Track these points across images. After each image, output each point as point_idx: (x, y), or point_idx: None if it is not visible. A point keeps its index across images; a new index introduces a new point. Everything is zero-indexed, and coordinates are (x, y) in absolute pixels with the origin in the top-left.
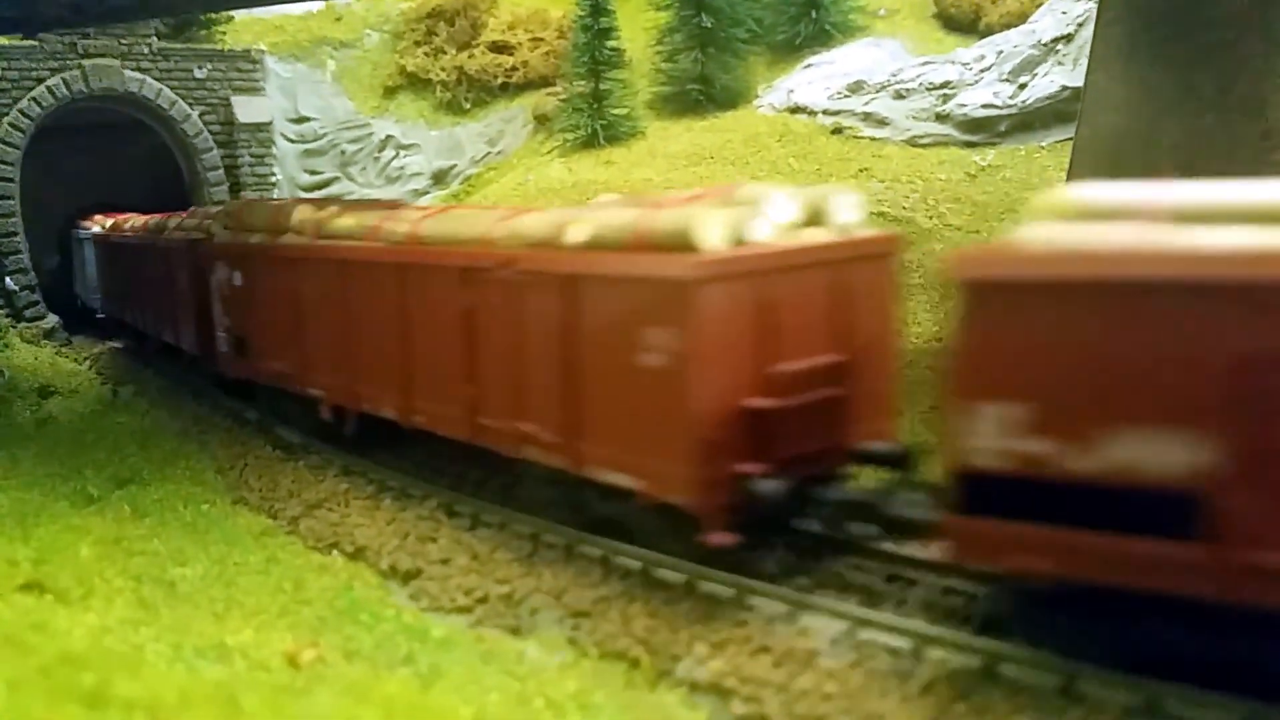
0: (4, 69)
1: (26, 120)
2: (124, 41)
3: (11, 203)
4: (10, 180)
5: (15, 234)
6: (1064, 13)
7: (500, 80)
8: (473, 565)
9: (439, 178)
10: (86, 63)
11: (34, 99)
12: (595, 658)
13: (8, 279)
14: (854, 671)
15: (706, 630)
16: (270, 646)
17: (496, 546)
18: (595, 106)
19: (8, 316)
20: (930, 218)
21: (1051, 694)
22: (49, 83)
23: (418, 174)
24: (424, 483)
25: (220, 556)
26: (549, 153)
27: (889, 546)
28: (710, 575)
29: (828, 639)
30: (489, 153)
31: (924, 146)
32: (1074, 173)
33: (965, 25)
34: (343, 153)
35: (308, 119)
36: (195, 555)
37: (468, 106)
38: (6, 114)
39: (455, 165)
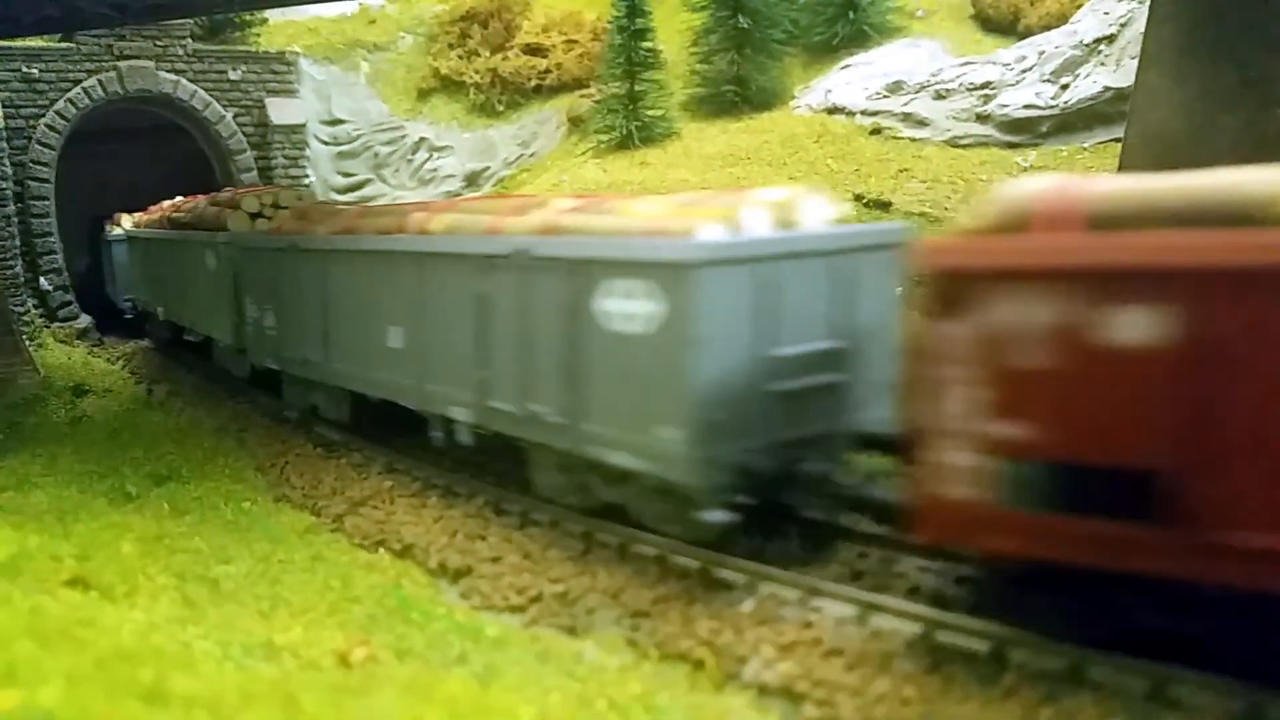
0: (40, 71)
1: (63, 122)
2: (159, 43)
3: (47, 203)
4: (46, 181)
5: (50, 234)
6: (1106, 13)
7: (534, 82)
8: (525, 564)
9: (472, 180)
10: (122, 64)
11: (70, 100)
12: (656, 659)
13: (43, 279)
14: (932, 675)
15: (772, 632)
16: (320, 645)
17: (548, 545)
18: (630, 108)
19: (42, 316)
20: None
21: (1140, 698)
22: (85, 84)
23: (451, 176)
24: (471, 480)
25: (264, 554)
26: (583, 154)
27: None
28: (772, 575)
29: (902, 640)
30: (522, 155)
31: (965, 147)
32: (1125, 172)
33: (1004, 26)
34: (376, 155)
35: (341, 121)
36: (238, 553)
37: (501, 109)
38: (43, 116)
39: (488, 167)
